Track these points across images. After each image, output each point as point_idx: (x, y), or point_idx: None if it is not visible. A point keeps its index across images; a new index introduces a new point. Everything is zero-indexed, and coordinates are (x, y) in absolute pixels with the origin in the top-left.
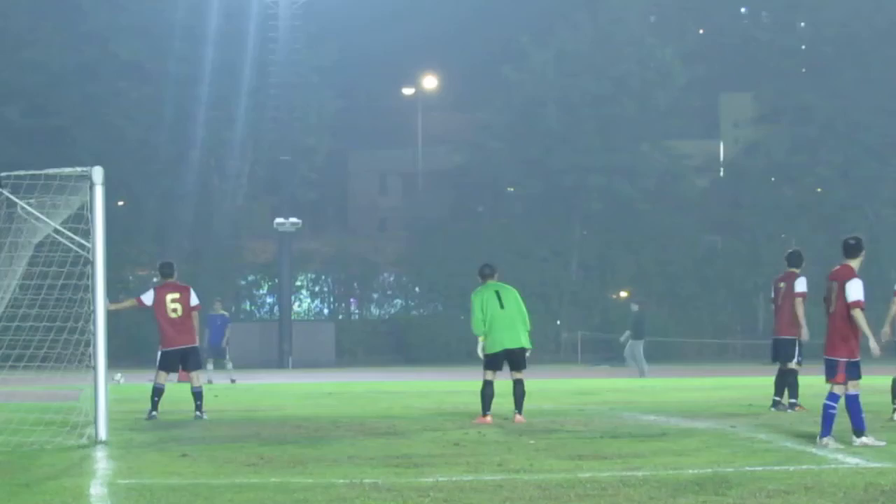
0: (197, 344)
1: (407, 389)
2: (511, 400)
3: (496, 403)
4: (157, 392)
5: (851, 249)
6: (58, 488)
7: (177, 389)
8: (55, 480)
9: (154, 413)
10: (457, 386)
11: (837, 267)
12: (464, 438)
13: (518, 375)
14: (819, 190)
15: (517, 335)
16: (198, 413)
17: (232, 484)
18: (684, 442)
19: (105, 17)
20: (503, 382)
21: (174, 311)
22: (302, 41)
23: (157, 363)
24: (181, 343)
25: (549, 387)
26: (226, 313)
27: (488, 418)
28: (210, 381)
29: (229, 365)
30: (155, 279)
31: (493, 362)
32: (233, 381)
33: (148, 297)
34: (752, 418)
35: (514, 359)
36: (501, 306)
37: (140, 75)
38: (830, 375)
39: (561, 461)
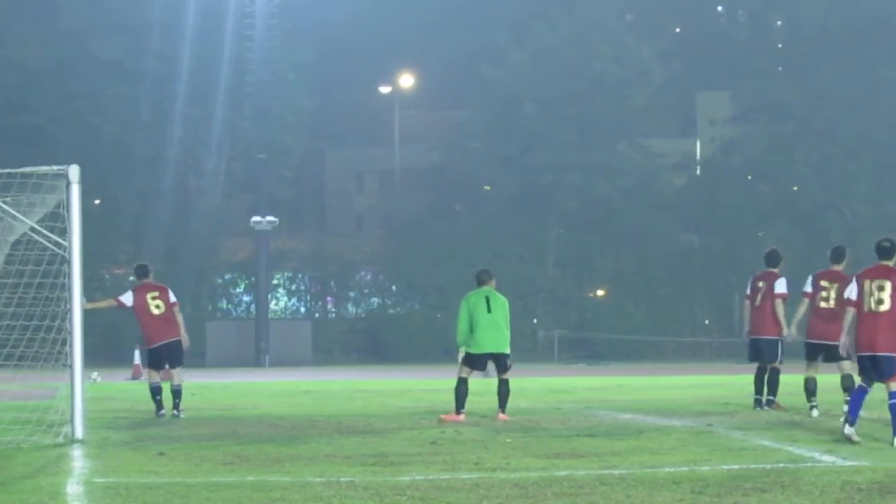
0: (181, 338)
1: (383, 388)
2: (491, 399)
3: (475, 402)
4: (156, 391)
5: (886, 252)
6: (34, 487)
7: None
8: (31, 479)
9: (162, 412)
10: (433, 384)
11: (876, 266)
12: (440, 437)
13: (504, 375)
14: (796, 188)
15: (502, 340)
16: (175, 411)
17: (208, 482)
18: (661, 440)
19: (82, 16)
20: (488, 381)
21: (157, 307)
22: (278, 39)
23: (146, 363)
24: (167, 337)
25: (525, 385)
26: None
27: (461, 416)
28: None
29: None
30: (131, 278)
31: (473, 362)
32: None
33: (127, 299)
34: (729, 417)
35: (499, 362)
36: (489, 310)
37: (117, 74)
38: (890, 373)
39: (537, 459)
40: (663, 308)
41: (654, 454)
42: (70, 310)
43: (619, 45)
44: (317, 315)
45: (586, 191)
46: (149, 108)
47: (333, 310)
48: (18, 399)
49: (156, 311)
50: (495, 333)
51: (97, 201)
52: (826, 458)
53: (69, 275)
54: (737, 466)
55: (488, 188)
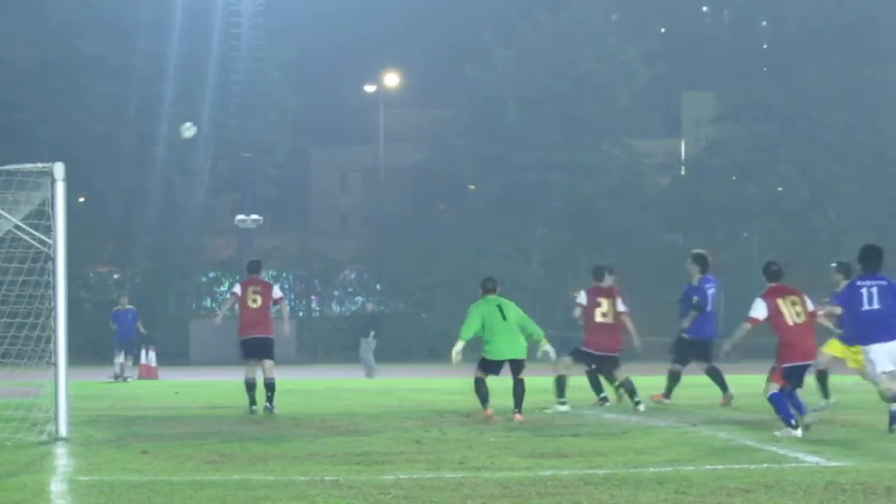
0: (272, 336)
1: (368, 387)
2: (472, 398)
3: (457, 402)
4: (250, 386)
5: (776, 275)
6: (18, 485)
7: (137, 385)
8: (15, 477)
9: (254, 407)
10: (418, 384)
11: (776, 287)
12: (425, 436)
13: (519, 376)
14: (780, 188)
15: (520, 346)
16: (268, 405)
17: (192, 481)
18: (645, 440)
19: (68, 13)
20: (468, 381)
21: (254, 301)
22: (264, 37)
23: (242, 356)
24: (256, 332)
25: (510, 384)
26: (133, 308)
27: (489, 411)
28: (126, 378)
29: (130, 361)
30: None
31: (490, 367)
32: (126, 378)
33: (237, 289)
34: (713, 417)
35: (516, 366)
36: (504, 318)
37: (103, 71)
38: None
39: (522, 459)
40: (647, 308)
41: (639, 454)
42: (54, 307)
43: (604, 45)
44: (301, 314)
45: (571, 190)
46: (135, 106)
47: (318, 308)
48: (2, 396)
49: (252, 305)
50: (514, 340)
51: (82, 199)
52: (810, 458)
53: (54, 272)
54: (721, 466)
55: (473, 187)
